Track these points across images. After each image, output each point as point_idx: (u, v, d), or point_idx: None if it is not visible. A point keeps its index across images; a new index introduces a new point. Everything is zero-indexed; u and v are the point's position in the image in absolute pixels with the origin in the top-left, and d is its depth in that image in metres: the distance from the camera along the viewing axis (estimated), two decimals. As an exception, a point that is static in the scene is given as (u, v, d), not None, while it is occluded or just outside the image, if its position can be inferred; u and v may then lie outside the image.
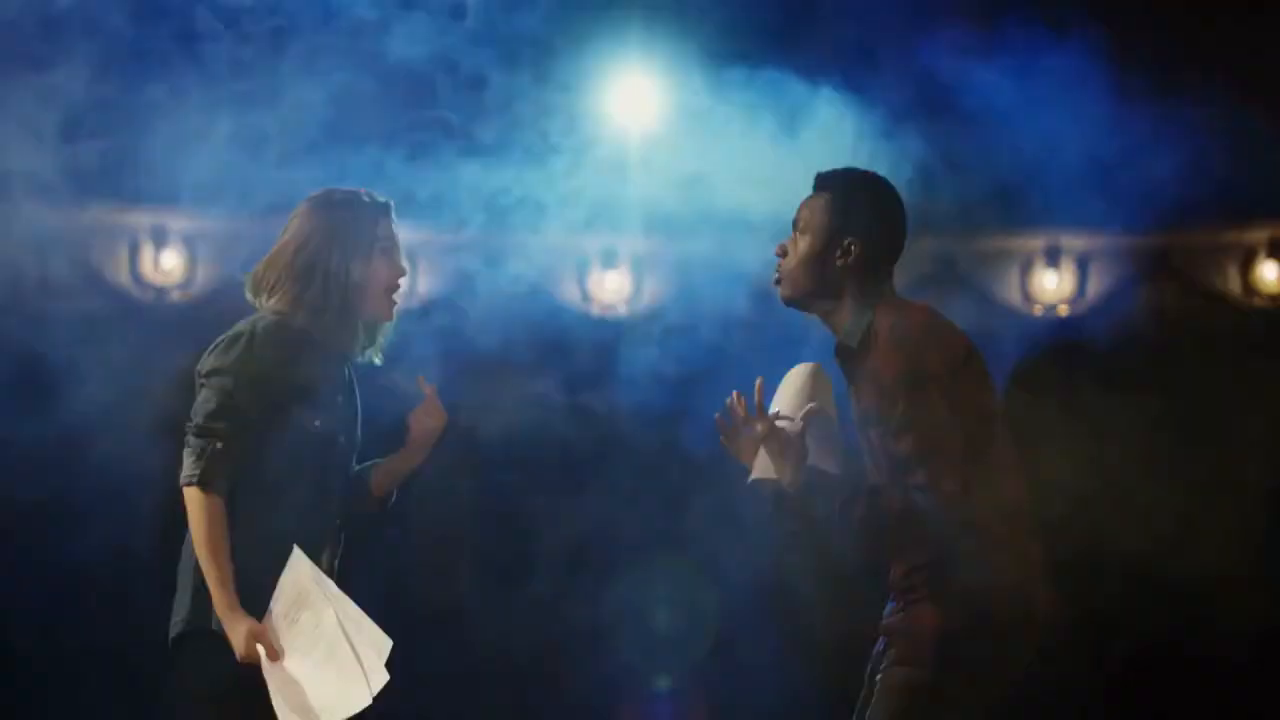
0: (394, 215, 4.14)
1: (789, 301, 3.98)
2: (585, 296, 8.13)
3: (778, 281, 3.95)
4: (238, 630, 3.86)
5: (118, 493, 7.10)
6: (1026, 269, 8.15)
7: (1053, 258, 8.12)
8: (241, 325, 4.01)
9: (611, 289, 8.12)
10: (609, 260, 8.10)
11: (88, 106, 6.52)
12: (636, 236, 7.91)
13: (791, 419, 3.78)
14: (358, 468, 4.23)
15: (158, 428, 6.96)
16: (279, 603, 3.90)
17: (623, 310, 8.11)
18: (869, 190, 3.95)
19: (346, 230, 4.05)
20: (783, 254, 3.96)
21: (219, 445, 3.89)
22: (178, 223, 7.81)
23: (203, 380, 3.97)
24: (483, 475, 8.03)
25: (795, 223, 3.96)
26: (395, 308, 4.13)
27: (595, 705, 7.82)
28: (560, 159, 6.79)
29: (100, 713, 7.34)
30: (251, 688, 3.89)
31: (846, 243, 3.88)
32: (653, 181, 7.12)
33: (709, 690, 7.81)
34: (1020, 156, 6.70)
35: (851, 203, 3.91)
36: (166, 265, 7.83)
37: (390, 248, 4.11)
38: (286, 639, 3.87)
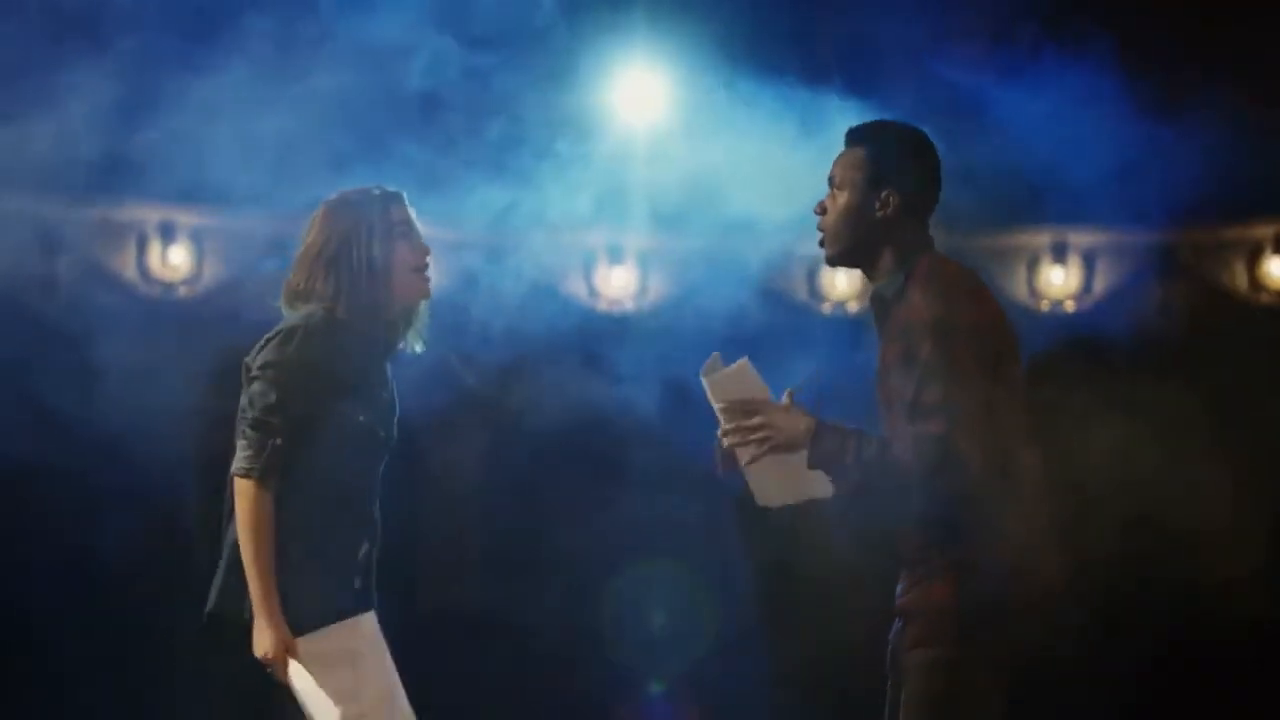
0: (407, 202, 4.19)
1: (834, 260, 3.95)
2: (592, 292, 8.13)
3: (821, 242, 3.94)
4: (266, 634, 3.90)
5: (125, 485, 7.12)
6: (1033, 265, 8.15)
7: (1060, 254, 8.12)
8: (293, 319, 4.06)
9: (618, 284, 8.13)
10: (615, 256, 8.11)
11: (97, 102, 6.53)
12: (643, 232, 7.91)
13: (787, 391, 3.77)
14: None
15: (165, 422, 6.99)
16: (320, 644, 3.93)
17: (629, 306, 8.11)
18: (902, 140, 3.93)
19: (362, 222, 4.11)
20: (822, 212, 3.93)
21: (278, 441, 3.95)
22: (185, 219, 7.82)
23: (256, 374, 4.01)
24: (488, 471, 8.04)
25: (831, 179, 3.93)
26: (428, 284, 4.18)
27: (596, 705, 7.83)
28: (566, 154, 6.80)
29: (102, 709, 7.37)
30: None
31: (885, 194, 3.86)
32: (659, 177, 7.12)
33: (711, 690, 7.81)
34: (1028, 154, 6.69)
35: (886, 154, 3.88)
36: (174, 261, 7.84)
37: (409, 231, 4.16)
38: (311, 670, 3.91)
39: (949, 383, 3.62)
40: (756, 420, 3.75)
